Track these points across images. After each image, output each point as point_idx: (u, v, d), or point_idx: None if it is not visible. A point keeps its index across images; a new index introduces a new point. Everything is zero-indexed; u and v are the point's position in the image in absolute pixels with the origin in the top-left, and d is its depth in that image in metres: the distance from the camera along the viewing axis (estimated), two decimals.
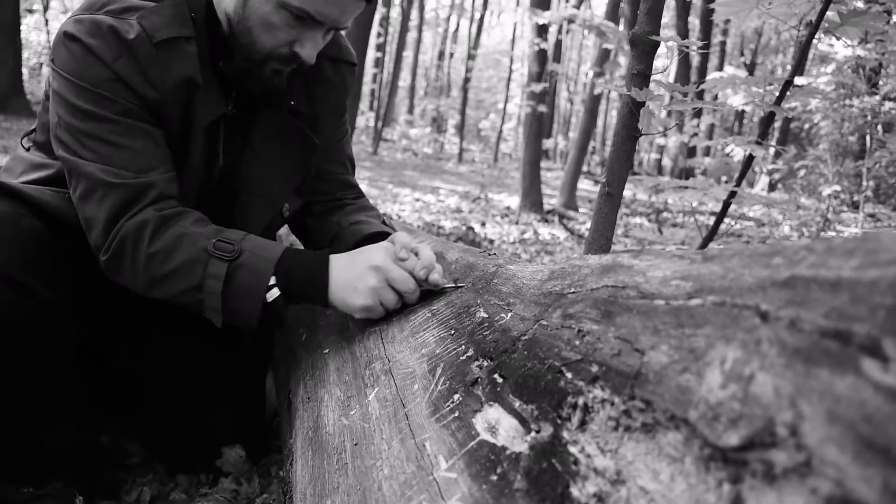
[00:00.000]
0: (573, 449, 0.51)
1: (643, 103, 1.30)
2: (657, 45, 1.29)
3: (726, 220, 1.77)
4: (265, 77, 1.13)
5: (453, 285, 1.04)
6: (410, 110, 28.12)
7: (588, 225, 7.20)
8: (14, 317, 1.01)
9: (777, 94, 1.65)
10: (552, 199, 9.10)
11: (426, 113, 27.17)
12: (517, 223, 6.82)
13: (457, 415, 0.70)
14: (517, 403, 0.63)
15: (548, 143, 18.30)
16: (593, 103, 8.73)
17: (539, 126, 7.92)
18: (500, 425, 0.63)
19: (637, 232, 6.81)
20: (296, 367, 1.25)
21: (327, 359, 1.12)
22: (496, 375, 0.71)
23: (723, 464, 0.39)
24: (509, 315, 0.85)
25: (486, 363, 0.77)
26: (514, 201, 9.07)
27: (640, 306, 0.57)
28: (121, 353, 1.36)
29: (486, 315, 0.92)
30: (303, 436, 0.97)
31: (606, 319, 0.60)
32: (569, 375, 0.59)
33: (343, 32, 1.28)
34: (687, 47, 1.32)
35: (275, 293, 1.03)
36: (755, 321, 0.42)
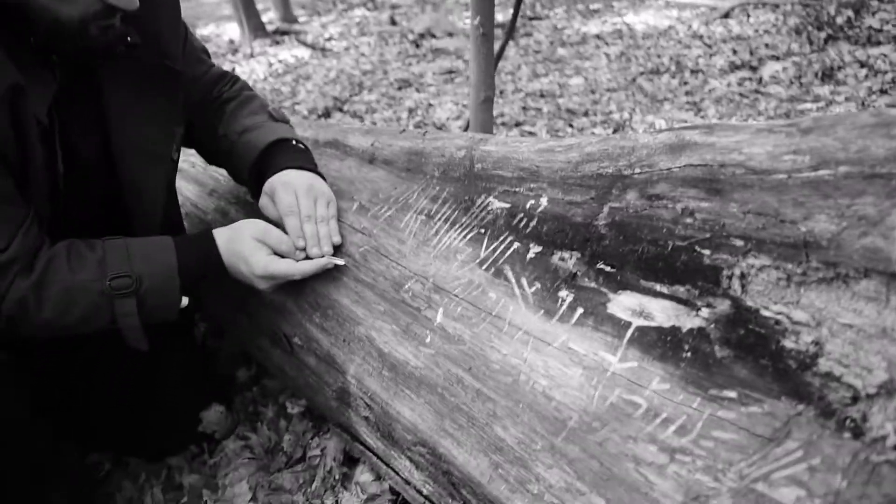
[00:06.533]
0: (766, 313, 0.65)
1: None
2: None
3: None
4: (94, 38, 0.95)
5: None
6: None
7: (320, 33, 6.86)
8: None
9: None
10: (265, 15, 8.40)
11: None
12: (252, 56, 6.28)
13: (584, 311, 0.79)
14: (658, 286, 0.74)
15: None
16: None
17: None
18: (649, 308, 0.73)
19: None
20: (280, 315, 1.18)
21: (334, 295, 1.08)
22: (601, 265, 0.80)
23: None
24: (544, 200, 0.91)
25: (569, 255, 0.84)
26: (232, 31, 8.21)
27: (758, 182, 0.68)
28: (73, 381, 1.23)
29: (505, 205, 0.96)
30: (377, 379, 0.97)
31: (718, 197, 0.71)
32: (706, 252, 0.70)
33: None
34: None
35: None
36: None
